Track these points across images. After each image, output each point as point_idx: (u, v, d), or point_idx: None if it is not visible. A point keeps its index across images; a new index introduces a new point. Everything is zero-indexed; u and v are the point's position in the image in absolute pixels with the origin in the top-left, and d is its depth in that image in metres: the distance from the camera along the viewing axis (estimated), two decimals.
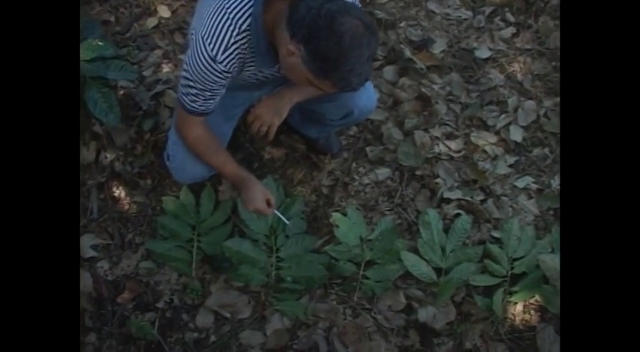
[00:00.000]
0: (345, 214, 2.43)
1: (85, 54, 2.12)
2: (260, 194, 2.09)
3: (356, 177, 2.58)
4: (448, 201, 2.52)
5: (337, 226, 2.38)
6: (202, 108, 1.92)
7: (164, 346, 2.20)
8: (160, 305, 2.27)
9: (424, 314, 2.28)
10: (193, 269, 2.32)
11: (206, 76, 1.80)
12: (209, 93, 1.87)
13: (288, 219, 2.28)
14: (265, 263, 2.32)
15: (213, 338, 2.23)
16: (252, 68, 1.87)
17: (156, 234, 2.40)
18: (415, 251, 2.38)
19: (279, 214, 2.23)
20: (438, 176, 2.58)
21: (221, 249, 2.31)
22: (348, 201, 2.52)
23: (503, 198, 2.56)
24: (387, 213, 2.50)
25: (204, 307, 2.28)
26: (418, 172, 2.59)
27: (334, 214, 2.42)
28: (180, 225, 2.37)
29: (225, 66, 1.77)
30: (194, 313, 2.27)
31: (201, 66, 1.78)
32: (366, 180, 2.58)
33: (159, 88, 2.67)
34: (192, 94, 1.87)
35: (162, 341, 2.21)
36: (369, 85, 2.21)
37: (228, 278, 2.33)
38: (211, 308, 2.27)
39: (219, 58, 1.75)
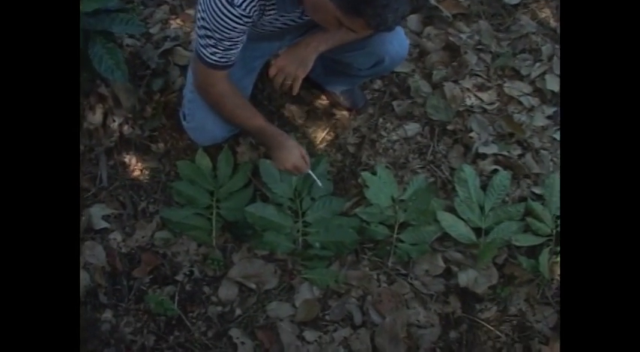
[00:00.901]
0: (374, 173, 2.21)
1: (86, 6, 1.88)
2: (296, 149, 1.90)
3: (383, 133, 2.36)
4: (484, 156, 2.30)
5: (367, 186, 2.17)
6: (224, 60, 1.72)
7: (185, 321, 2.01)
8: (179, 277, 2.07)
9: (464, 278, 2.08)
10: (213, 237, 2.11)
11: (224, 23, 1.60)
12: (228, 43, 1.67)
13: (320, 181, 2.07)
14: (291, 228, 2.11)
15: (238, 311, 2.03)
16: (272, 13, 1.65)
17: (171, 202, 2.19)
18: (452, 210, 2.17)
19: (313, 175, 2.02)
20: (471, 130, 2.36)
21: (242, 215, 2.10)
22: (377, 159, 2.30)
23: (542, 151, 2.34)
24: (418, 171, 2.29)
25: (227, 278, 2.07)
26: (450, 127, 2.37)
27: (363, 174, 2.20)
28: (197, 190, 2.16)
29: (244, 9, 1.57)
30: (216, 285, 2.07)
31: (219, 11, 1.57)
32: (394, 137, 2.35)
33: (167, 45, 2.44)
34: (211, 45, 1.67)
35: (184, 316, 2.01)
36: (400, 29, 1.98)
37: (252, 247, 2.13)
38: (235, 280, 2.07)
39: (238, 0, 1.53)
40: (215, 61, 1.70)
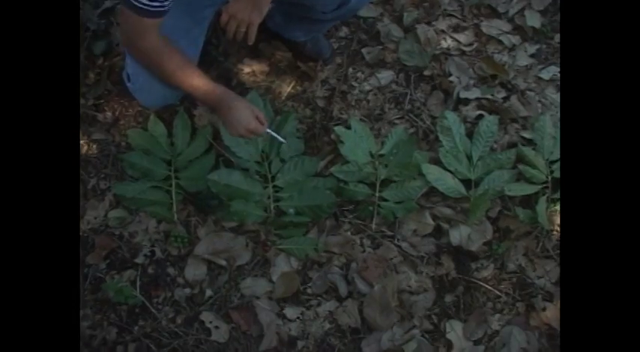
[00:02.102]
0: (348, 128, 1.96)
1: None
2: (247, 110, 1.63)
3: (355, 84, 2.10)
4: (466, 101, 2.05)
5: (341, 142, 1.92)
6: (155, 4, 1.43)
7: (150, 308, 1.75)
8: (139, 260, 1.81)
9: (457, 235, 1.85)
10: (174, 212, 1.85)
11: None
12: None
13: (283, 138, 1.81)
14: (261, 195, 1.86)
15: (208, 292, 1.78)
16: None
17: (124, 176, 1.92)
18: (437, 162, 1.92)
19: (272, 133, 1.76)
20: (450, 74, 2.11)
21: (205, 185, 1.84)
22: (350, 112, 2.04)
23: (528, 92, 2.10)
24: (396, 122, 2.04)
25: (194, 256, 1.81)
26: (426, 72, 2.12)
27: (336, 129, 1.95)
28: (153, 161, 1.89)
29: None
30: (182, 265, 1.81)
31: None
32: (367, 87, 2.10)
33: (107, 3, 2.13)
34: None
35: (148, 302, 1.76)
36: None
37: (218, 219, 1.87)
38: (202, 257, 1.81)
39: None
40: (144, 4, 1.41)
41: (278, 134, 1.79)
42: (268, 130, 1.72)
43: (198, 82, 1.61)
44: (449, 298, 1.79)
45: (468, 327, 1.75)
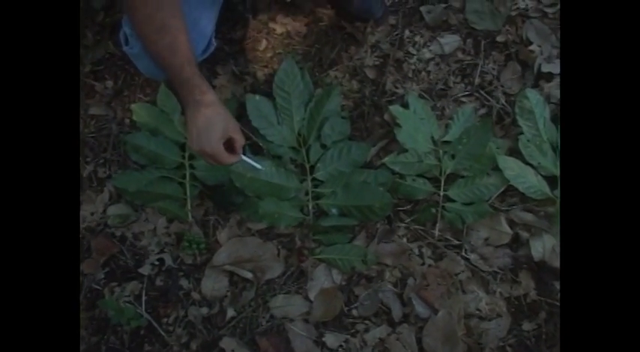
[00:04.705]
0: (405, 105, 1.53)
1: None
2: (220, 125, 1.18)
3: (412, 50, 1.65)
4: (549, 76, 1.60)
5: (397, 125, 1.49)
6: None
7: (159, 330, 1.36)
8: (144, 270, 1.42)
9: (539, 247, 1.43)
10: (189, 210, 1.45)
11: None
12: None
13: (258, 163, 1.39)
14: (297, 191, 1.44)
15: (230, 312, 1.39)
16: None
17: (127, 162, 1.51)
18: (515, 153, 1.49)
19: (249, 160, 1.33)
20: (529, 42, 1.65)
21: (228, 176, 1.42)
22: (406, 86, 1.60)
23: None
24: (463, 100, 1.60)
25: (212, 266, 1.42)
26: (499, 38, 1.66)
27: (391, 108, 1.51)
28: (162, 144, 1.48)
29: None
30: (198, 277, 1.43)
31: None
32: (427, 54, 1.64)
33: None
34: None
35: (156, 323, 1.37)
36: None
37: (243, 219, 1.46)
38: (223, 268, 1.41)
39: None
40: None
41: (252, 159, 1.35)
42: (244, 157, 1.28)
43: (177, 58, 1.16)
44: (527, 326, 1.39)
45: None
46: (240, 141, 1.21)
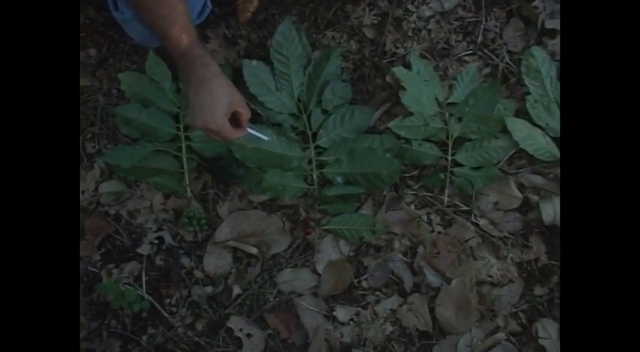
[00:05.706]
0: (407, 66, 1.44)
1: None
2: (224, 99, 1.08)
3: (411, 7, 1.55)
4: (553, 33, 1.52)
5: (402, 88, 1.40)
6: None
7: (162, 312, 1.29)
8: (143, 249, 1.33)
9: (549, 210, 1.37)
10: (186, 184, 1.35)
11: None
12: None
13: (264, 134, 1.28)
14: (299, 160, 1.36)
15: (236, 289, 1.32)
16: None
17: (118, 136, 1.40)
18: (521, 114, 1.43)
19: (255, 132, 1.22)
20: None
21: (226, 147, 1.33)
22: (407, 45, 1.51)
23: None
24: (466, 59, 1.51)
25: (214, 243, 1.34)
26: None
27: (395, 69, 1.42)
28: (155, 115, 1.37)
29: None
30: (200, 254, 1.34)
31: None
32: (427, 12, 1.55)
33: None
34: None
35: (158, 304, 1.30)
36: None
37: (245, 191, 1.38)
38: (226, 244, 1.33)
39: None
40: None
41: (258, 131, 1.24)
42: (250, 130, 1.18)
43: (174, 31, 1.05)
44: (539, 290, 1.35)
45: None
46: (246, 114, 1.12)
